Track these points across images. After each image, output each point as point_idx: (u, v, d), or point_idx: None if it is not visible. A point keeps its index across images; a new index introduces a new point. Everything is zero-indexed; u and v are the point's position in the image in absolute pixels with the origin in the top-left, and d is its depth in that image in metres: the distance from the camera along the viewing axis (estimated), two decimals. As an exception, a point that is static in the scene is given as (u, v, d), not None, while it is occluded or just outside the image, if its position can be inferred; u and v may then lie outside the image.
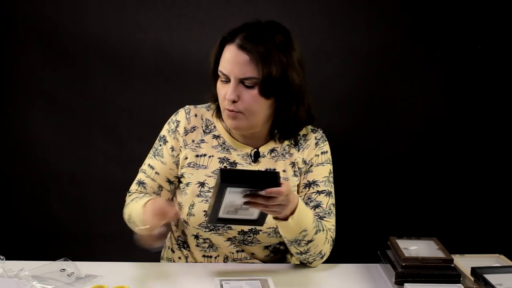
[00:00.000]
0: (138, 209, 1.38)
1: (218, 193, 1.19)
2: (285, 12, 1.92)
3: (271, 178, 1.20)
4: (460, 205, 2.03)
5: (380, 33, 1.95)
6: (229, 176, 1.17)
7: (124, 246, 2.05)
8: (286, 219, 1.31)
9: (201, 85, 1.92)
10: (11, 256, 1.42)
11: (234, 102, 1.38)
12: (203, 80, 1.93)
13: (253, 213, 1.28)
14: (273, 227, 1.44)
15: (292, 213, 1.31)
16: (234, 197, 1.20)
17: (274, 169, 1.48)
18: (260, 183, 1.18)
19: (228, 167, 1.47)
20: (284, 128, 1.48)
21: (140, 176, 1.52)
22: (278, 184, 1.19)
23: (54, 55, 1.99)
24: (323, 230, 1.41)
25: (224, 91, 1.40)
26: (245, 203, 1.21)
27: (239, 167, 1.47)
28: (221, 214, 1.25)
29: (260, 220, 1.30)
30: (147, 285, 1.33)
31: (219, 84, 1.42)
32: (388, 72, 1.98)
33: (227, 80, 1.39)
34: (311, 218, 1.37)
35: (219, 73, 1.40)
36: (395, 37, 1.96)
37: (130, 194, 1.52)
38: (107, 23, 1.97)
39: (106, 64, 1.99)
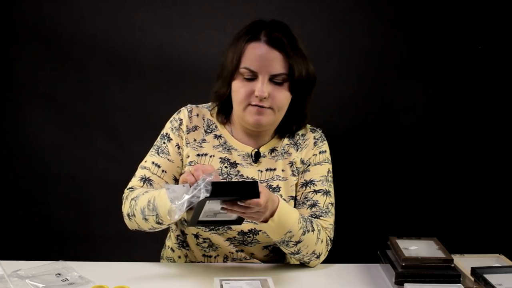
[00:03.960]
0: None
1: (197, 204, 1.19)
2: (285, 12, 1.92)
3: (250, 188, 1.19)
4: (460, 205, 2.03)
5: (380, 33, 1.95)
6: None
7: (124, 246, 2.06)
8: (266, 221, 1.31)
9: (201, 85, 1.92)
10: (10, 256, 1.42)
11: (264, 98, 1.37)
12: (203, 80, 1.94)
13: (232, 214, 1.28)
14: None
15: (272, 215, 1.31)
16: (213, 205, 1.21)
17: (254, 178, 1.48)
18: (239, 194, 1.18)
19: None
20: (295, 125, 1.50)
21: (144, 172, 1.48)
22: (257, 193, 1.19)
23: (54, 55, 1.99)
24: (312, 230, 1.40)
25: (247, 88, 1.39)
26: (223, 208, 1.22)
27: (239, 167, 1.48)
28: (201, 218, 1.25)
29: (239, 219, 1.30)
30: (147, 285, 1.33)
31: (239, 83, 1.40)
32: (388, 72, 1.98)
33: (252, 78, 1.38)
34: (295, 220, 1.36)
35: (244, 70, 1.38)
36: (395, 37, 1.96)
37: (131, 190, 1.47)
38: (107, 23, 1.96)
39: (106, 64, 1.99)
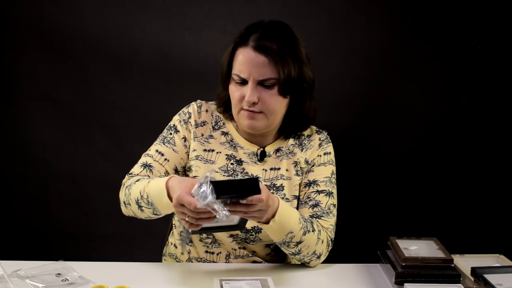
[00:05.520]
0: (159, 185, 1.31)
1: None
2: (285, 12, 1.92)
3: (252, 185, 1.19)
4: (460, 205, 2.03)
5: (380, 33, 1.95)
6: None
7: (124, 246, 2.06)
8: (267, 222, 1.32)
9: (201, 85, 1.92)
10: (10, 256, 1.42)
11: (254, 103, 1.38)
12: (203, 80, 1.94)
13: (233, 219, 1.28)
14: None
15: (273, 216, 1.31)
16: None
17: (258, 176, 1.49)
18: (241, 191, 1.18)
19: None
20: (298, 125, 1.50)
21: (146, 159, 1.49)
22: (258, 190, 1.19)
23: (54, 55, 1.99)
24: (313, 231, 1.40)
25: (240, 92, 1.40)
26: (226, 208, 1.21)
27: (244, 165, 1.49)
28: (203, 224, 1.24)
29: (240, 224, 1.30)
30: (147, 285, 1.33)
31: (233, 87, 1.42)
32: (388, 72, 1.98)
33: (243, 82, 1.39)
34: (296, 220, 1.36)
35: (235, 76, 1.40)
36: (395, 37, 1.96)
37: (131, 176, 1.48)
38: (107, 23, 1.97)
39: (106, 64, 1.99)
